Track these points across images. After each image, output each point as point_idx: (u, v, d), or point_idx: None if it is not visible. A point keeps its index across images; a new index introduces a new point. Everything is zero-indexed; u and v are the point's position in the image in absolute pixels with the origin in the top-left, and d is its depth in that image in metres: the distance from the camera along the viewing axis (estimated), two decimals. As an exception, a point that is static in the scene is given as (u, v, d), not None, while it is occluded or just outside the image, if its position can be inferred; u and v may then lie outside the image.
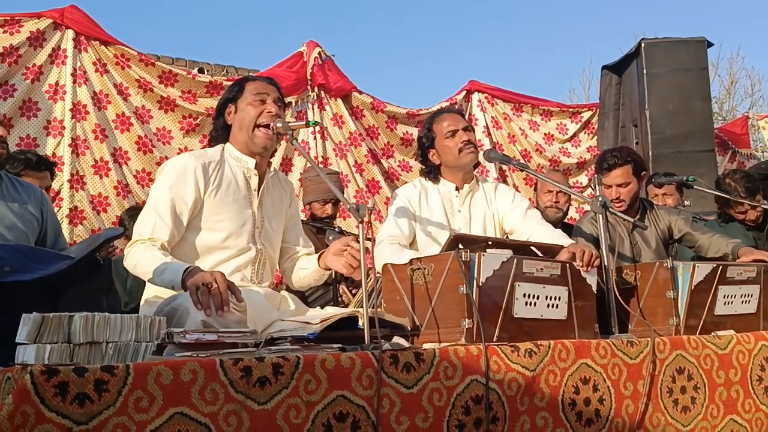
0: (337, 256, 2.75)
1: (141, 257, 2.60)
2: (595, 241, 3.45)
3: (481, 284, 2.46)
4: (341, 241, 2.78)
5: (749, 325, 3.09)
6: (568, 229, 4.52)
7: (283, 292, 3.00)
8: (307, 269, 2.97)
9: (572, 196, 5.22)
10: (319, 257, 2.91)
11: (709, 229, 4.05)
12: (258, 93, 2.82)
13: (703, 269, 3.00)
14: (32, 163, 3.98)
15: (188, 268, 2.48)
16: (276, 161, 5.78)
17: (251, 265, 2.82)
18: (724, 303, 3.06)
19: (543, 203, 4.98)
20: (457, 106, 7.09)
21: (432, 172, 3.47)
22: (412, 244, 3.29)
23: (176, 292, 2.53)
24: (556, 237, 3.19)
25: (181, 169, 2.72)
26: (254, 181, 2.85)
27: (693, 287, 2.95)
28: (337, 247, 2.76)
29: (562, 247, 2.93)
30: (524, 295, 2.57)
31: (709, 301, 3.01)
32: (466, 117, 7.06)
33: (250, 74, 3.02)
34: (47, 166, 4.15)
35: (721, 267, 3.06)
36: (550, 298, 2.65)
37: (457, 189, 3.42)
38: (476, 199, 3.44)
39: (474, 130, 3.55)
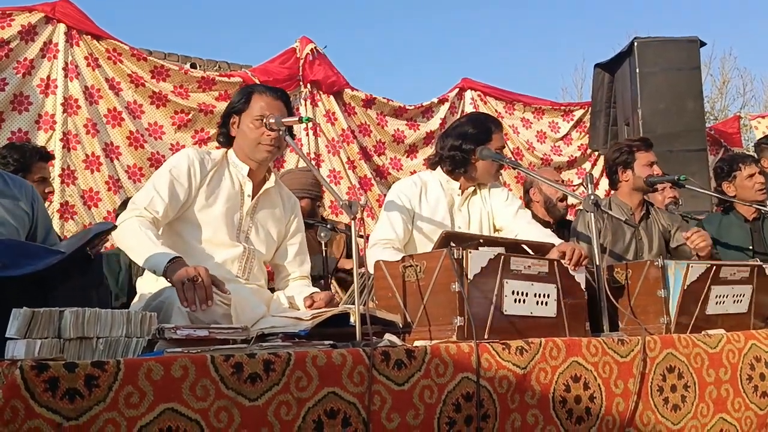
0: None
1: (132, 233, 2.62)
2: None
3: (469, 281, 2.46)
4: (308, 301, 2.81)
5: (740, 324, 3.10)
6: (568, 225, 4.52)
7: (277, 293, 3.00)
8: (292, 297, 2.98)
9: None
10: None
11: None
12: (261, 114, 2.83)
13: (696, 269, 2.99)
14: (42, 153, 4.13)
15: (172, 258, 2.49)
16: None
17: (238, 260, 2.85)
18: (716, 303, 3.05)
19: (554, 196, 4.88)
20: (449, 104, 7.11)
21: None
22: (408, 245, 3.25)
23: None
24: (545, 236, 3.18)
25: (182, 157, 2.85)
26: (248, 188, 2.91)
27: (686, 287, 2.95)
28: (307, 303, 2.80)
29: (552, 245, 2.93)
30: (513, 292, 2.57)
31: (701, 300, 3.00)
32: (459, 114, 7.06)
33: (257, 85, 3.01)
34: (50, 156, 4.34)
35: (714, 267, 3.04)
36: (539, 296, 2.65)
37: (461, 188, 3.38)
38: (474, 198, 3.43)
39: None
